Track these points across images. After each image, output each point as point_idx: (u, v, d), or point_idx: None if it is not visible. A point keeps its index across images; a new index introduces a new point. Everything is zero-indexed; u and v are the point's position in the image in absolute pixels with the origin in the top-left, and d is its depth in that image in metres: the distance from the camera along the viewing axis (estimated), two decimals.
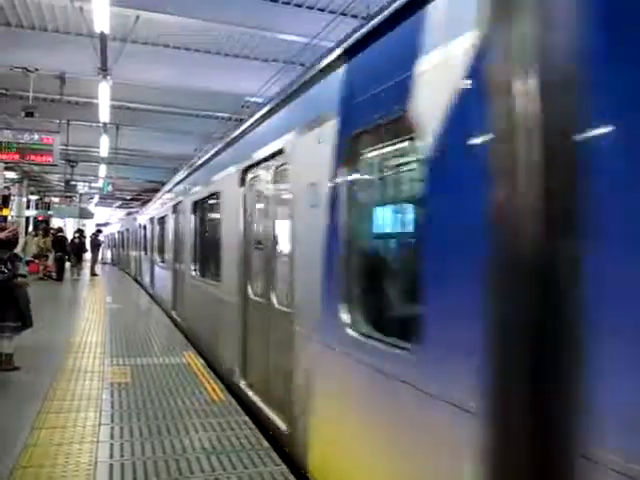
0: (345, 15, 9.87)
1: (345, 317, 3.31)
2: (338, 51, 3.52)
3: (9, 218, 23.75)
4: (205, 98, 15.39)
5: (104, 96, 13.68)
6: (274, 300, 4.84)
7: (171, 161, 22.74)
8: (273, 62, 13.04)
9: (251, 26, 10.94)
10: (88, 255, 24.16)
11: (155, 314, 12.34)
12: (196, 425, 4.85)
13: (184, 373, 6.73)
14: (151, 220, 16.17)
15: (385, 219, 3.66)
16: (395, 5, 2.86)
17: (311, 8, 10.70)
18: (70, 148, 19.84)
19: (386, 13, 2.93)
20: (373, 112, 3.02)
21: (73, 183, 26.11)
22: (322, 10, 10.52)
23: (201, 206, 9.00)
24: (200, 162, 9.10)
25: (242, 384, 5.70)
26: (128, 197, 40.18)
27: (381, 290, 3.47)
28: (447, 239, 2.42)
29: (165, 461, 4.04)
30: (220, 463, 4.02)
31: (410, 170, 3.13)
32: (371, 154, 3.36)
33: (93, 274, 23.32)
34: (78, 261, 22.25)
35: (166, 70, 13.59)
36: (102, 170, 25.91)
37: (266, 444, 4.42)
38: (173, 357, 7.58)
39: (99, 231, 27.30)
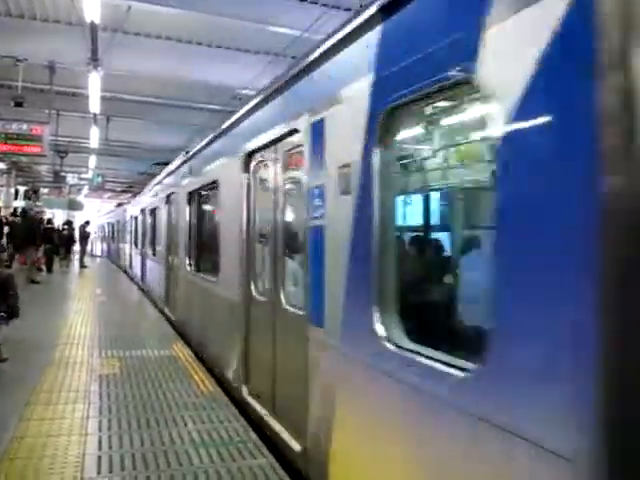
0: (338, 8, 9.85)
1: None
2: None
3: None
4: (196, 90, 15.30)
5: (94, 87, 13.59)
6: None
7: (162, 153, 22.59)
8: (264, 54, 12.98)
9: (243, 18, 10.87)
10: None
11: (144, 306, 12.30)
12: (185, 418, 4.85)
13: (173, 365, 6.73)
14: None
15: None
16: None
17: (303, 0, 10.64)
18: (60, 139, 19.67)
19: None
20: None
21: (63, 174, 25.92)
22: (315, 3, 10.47)
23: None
24: None
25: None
26: (118, 189, 39.96)
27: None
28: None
29: (154, 453, 4.04)
30: (209, 456, 4.03)
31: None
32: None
33: (82, 266, 23.22)
34: (67, 253, 22.11)
35: (157, 61, 13.48)
36: (92, 161, 25.75)
37: (254, 436, 4.43)
38: (162, 349, 7.57)
39: (87, 222, 27.16)
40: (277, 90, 4.58)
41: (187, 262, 8.55)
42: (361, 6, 3.25)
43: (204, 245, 8.21)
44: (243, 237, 5.32)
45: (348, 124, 3.17)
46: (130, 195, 34.94)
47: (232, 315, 5.60)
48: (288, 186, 4.55)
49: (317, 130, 3.62)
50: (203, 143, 7.79)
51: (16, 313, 6.69)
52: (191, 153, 8.71)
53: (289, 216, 4.53)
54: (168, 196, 10.75)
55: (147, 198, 15.12)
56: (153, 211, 13.35)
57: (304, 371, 3.73)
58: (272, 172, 4.74)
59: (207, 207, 8.45)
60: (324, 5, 10.16)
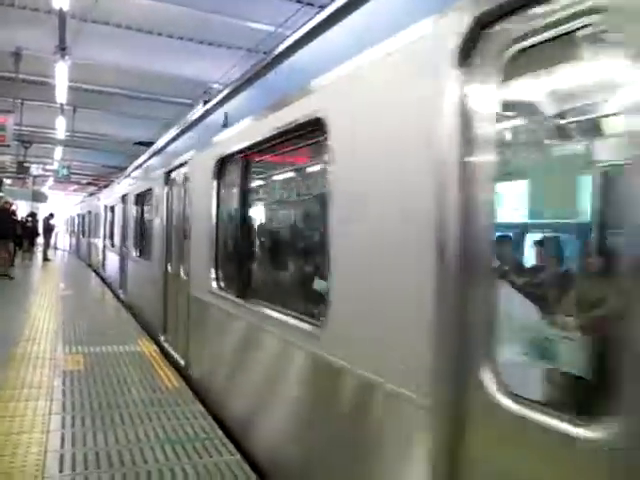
0: (312, 5, 9.83)
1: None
2: None
3: None
4: (167, 83, 15.09)
5: (62, 76, 13.29)
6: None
7: (130, 146, 22.28)
8: (237, 49, 12.87)
9: (216, 12, 10.77)
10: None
11: (109, 300, 12.11)
12: (150, 414, 4.80)
13: (138, 361, 6.65)
14: None
15: None
16: None
17: None
18: (24, 128, 19.18)
19: None
20: None
21: (27, 165, 25.30)
22: None
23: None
24: None
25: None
26: (84, 181, 39.21)
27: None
28: None
29: (118, 451, 3.98)
30: (175, 453, 3.99)
31: None
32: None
33: (45, 259, 22.73)
34: (31, 245, 21.61)
35: (128, 52, 13.25)
36: (58, 152, 25.20)
37: (220, 433, 4.41)
38: (127, 345, 7.47)
39: (51, 215, 26.59)
40: None
41: (212, 278, 5.21)
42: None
43: (260, 251, 5.32)
44: (453, 242, 2.11)
45: None
46: (96, 188, 34.32)
47: (397, 435, 2.43)
48: None
49: None
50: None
51: None
52: (234, 86, 4.97)
53: None
54: (169, 173, 7.54)
55: (130, 182, 12.05)
56: (140, 198, 10.35)
57: None
58: None
59: (271, 180, 5.38)
60: (298, 2, 10.13)
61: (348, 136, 2.90)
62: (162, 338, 7.45)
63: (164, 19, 11.75)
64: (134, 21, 12.07)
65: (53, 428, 4.37)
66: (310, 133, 3.46)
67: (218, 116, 5.27)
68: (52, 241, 27.14)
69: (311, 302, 3.62)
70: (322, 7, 3.63)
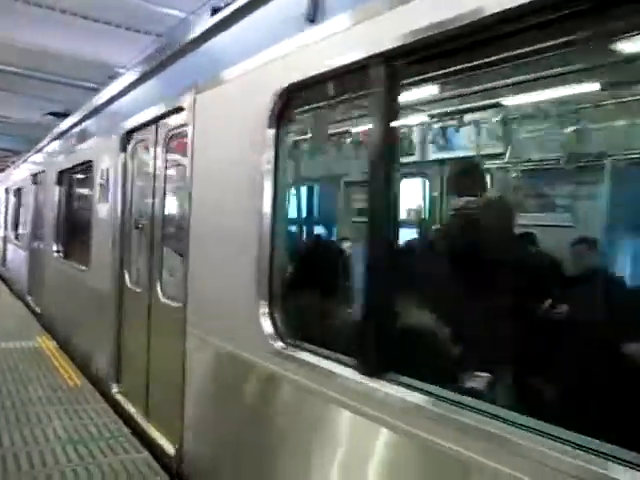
0: None
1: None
2: None
3: None
4: (70, 65, 14.34)
5: None
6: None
7: (29, 129, 20.99)
8: (145, 34, 12.45)
9: None
10: None
11: (3, 296, 11.39)
12: (50, 413, 4.59)
13: (36, 357, 6.34)
14: None
15: None
16: None
17: None
18: None
19: None
20: None
21: None
22: None
23: None
24: None
25: None
26: None
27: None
28: None
29: (14, 454, 3.78)
30: (77, 453, 3.85)
31: None
32: None
33: None
34: None
35: (23, 28, 12.43)
36: None
37: (126, 430, 4.30)
38: (24, 340, 7.09)
39: None
40: None
41: (263, 321, 2.75)
42: None
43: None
44: None
45: None
46: None
47: None
48: None
49: None
50: None
51: None
52: None
53: None
54: (130, 133, 5.11)
55: (48, 155, 9.89)
56: (66, 176, 8.09)
57: None
58: None
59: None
60: None
61: None
62: (115, 390, 5.01)
63: None
64: None
65: None
66: None
67: (287, 6, 2.81)
68: None
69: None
70: None
